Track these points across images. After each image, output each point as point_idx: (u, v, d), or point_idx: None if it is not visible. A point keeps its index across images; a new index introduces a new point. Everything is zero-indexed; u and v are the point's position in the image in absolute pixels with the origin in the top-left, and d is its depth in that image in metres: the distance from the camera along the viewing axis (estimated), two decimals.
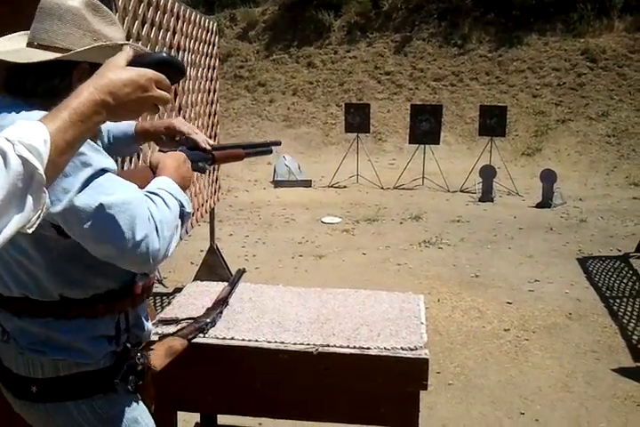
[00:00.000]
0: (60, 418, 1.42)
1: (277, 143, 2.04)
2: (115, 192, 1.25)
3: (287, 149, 11.82)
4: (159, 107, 1.18)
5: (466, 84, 13.06)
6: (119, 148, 1.74)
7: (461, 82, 13.16)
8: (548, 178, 8.63)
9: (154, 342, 1.68)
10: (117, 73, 1.09)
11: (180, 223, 1.37)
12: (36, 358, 1.37)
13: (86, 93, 1.03)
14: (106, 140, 1.70)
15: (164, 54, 1.25)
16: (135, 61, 1.14)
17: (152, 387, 1.55)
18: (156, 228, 1.28)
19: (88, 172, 1.24)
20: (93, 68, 1.22)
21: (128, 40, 1.81)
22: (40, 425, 1.48)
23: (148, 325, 1.56)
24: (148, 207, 1.29)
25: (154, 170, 1.48)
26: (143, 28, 3.15)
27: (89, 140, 1.26)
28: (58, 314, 1.36)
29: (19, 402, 1.45)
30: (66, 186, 1.21)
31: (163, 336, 1.88)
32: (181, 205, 1.38)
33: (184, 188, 1.46)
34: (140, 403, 1.51)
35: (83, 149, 1.23)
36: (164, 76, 1.15)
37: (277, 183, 9.88)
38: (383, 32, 14.24)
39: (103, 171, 1.27)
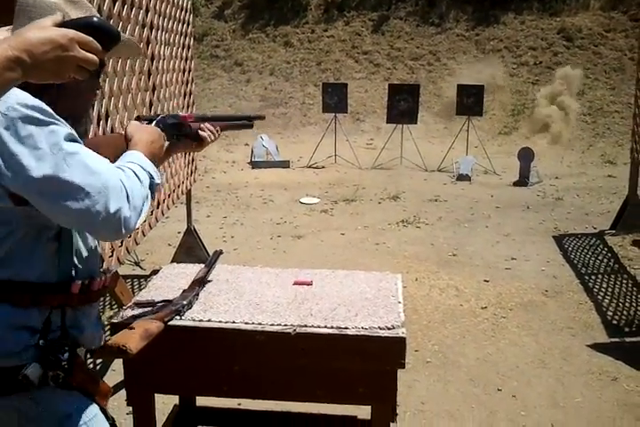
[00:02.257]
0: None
1: (261, 117, 2.05)
2: (88, 159, 1.25)
3: (265, 129, 11.74)
4: (88, 70, 1.14)
5: (443, 64, 13.04)
6: None
7: (439, 61, 13.13)
8: (526, 157, 8.69)
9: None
10: (36, 32, 1.06)
11: (149, 193, 1.39)
12: None
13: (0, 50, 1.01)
14: None
15: (95, 19, 1.23)
16: (64, 24, 1.12)
17: (99, 383, 1.49)
18: (128, 198, 1.29)
19: (59, 136, 1.22)
20: None
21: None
22: None
23: (94, 330, 1.49)
24: (120, 179, 1.29)
25: (127, 141, 1.49)
26: (114, 5, 3.08)
27: (52, 112, 1.24)
28: None
29: None
30: (39, 150, 1.19)
31: (139, 318, 1.87)
32: (151, 177, 1.40)
33: (155, 160, 1.48)
34: (80, 399, 1.44)
35: (48, 117, 1.23)
36: (90, 38, 1.11)
37: (255, 164, 9.82)
38: (360, 11, 14.12)
39: (73, 137, 1.26)
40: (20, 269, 1.32)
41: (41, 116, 1.22)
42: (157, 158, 1.51)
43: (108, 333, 3.51)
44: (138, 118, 1.69)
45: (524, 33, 13.06)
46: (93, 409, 1.47)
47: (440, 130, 11.71)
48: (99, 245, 1.54)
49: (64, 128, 1.25)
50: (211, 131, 1.82)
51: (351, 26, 13.96)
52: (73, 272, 1.39)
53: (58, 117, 1.26)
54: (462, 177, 8.84)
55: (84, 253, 1.43)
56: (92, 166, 1.25)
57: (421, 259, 5.33)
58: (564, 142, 10.83)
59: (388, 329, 1.92)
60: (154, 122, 1.65)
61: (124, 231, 1.30)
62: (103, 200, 1.24)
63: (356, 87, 12.61)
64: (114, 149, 1.48)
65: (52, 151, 1.21)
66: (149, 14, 3.71)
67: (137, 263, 5.01)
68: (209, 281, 2.23)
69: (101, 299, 1.55)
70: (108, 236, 1.34)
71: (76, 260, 1.40)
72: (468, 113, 9.73)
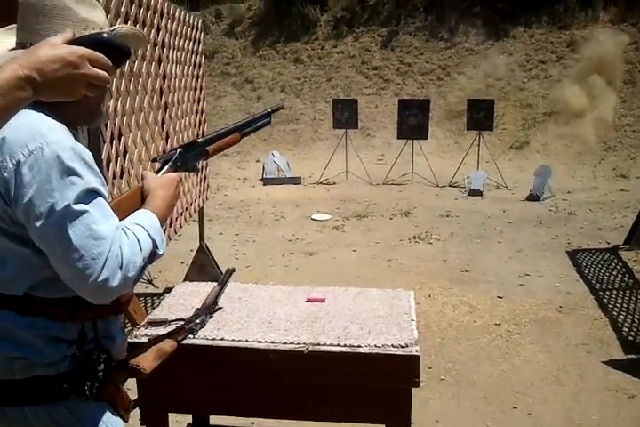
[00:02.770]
0: (16, 423, 1.39)
1: (281, 107, 1.97)
2: (94, 222, 1.24)
3: (276, 146, 11.79)
4: (99, 86, 1.14)
5: (453, 78, 13.08)
6: None
7: (448, 76, 13.17)
8: (544, 174, 8.72)
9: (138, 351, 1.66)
10: (47, 50, 1.06)
11: (146, 263, 1.35)
12: None
13: (9, 69, 1.01)
14: None
15: (105, 35, 1.23)
16: (74, 42, 1.12)
17: (124, 397, 1.51)
18: (121, 267, 1.27)
19: (75, 191, 1.23)
20: None
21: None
22: None
23: (121, 338, 1.53)
24: (120, 245, 1.28)
25: (144, 197, 1.46)
26: (127, 24, 3.11)
27: (83, 155, 1.25)
28: (19, 308, 1.33)
29: None
30: (50, 202, 1.21)
31: (152, 338, 1.87)
32: (155, 246, 1.36)
33: (170, 207, 1.48)
34: (107, 411, 1.47)
35: (75, 165, 1.23)
36: (100, 55, 1.11)
37: (266, 181, 9.85)
38: (369, 26, 14.22)
39: (91, 193, 1.26)
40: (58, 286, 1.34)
41: (68, 163, 1.23)
42: (173, 204, 1.50)
43: None
44: (154, 160, 1.65)
45: (533, 46, 13.08)
46: (118, 423, 1.49)
47: (451, 145, 11.71)
48: None
49: (86, 180, 1.24)
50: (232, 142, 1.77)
51: (360, 42, 14.05)
52: None
53: (87, 164, 1.26)
54: (474, 192, 8.82)
55: None
56: (97, 230, 1.24)
57: (434, 275, 5.31)
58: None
59: (402, 347, 1.90)
60: (171, 161, 1.60)
61: (106, 298, 1.29)
62: (95, 267, 1.23)
63: (367, 103, 12.66)
64: (128, 209, 1.44)
65: (62, 205, 1.22)
66: (160, 33, 3.75)
67: (150, 281, 5.03)
68: (218, 307, 2.23)
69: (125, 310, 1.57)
70: (91, 298, 1.30)
71: None
72: (478, 128, 9.73)
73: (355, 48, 13.96)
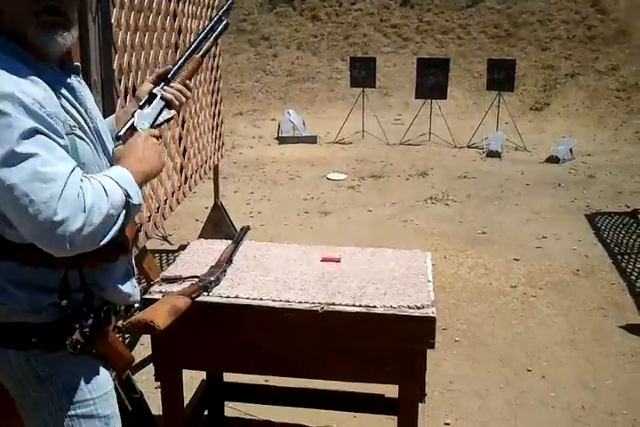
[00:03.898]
0: (2, 365, 1.39)
1: (231, 5, 1.80)
2: (43, 164, 1.18)
3: (292, 104, 11.65)
4: None
5: (473, 38, 12.75)
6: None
7: (469, 35, 12.83)
8: (568, 142, 8.59)
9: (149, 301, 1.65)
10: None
11: (122, 213, 1.27)
12: None
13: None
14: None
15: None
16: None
17: (121, 352, 1.48)
18: (84, 210, 1.19)
19: (13, 133, 1.17)
20: None
21: None
22: None
23: (121, 287, 1.48)
24: (81, 187, 1.20)
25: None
26: None
27: (22, 98, 1.19)
28: None
29: None
30: None
31: (166, 294, 1.86)
32: (127, 195, 1.28)
33: (154, 170, 1.41)
34: (90, 367, 1.44)
35: (5, 107, 1.17)
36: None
37: (282, 140, 9.77)
38: None
39: (34, 133, 1.19)
40: None
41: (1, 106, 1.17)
42: (153, 163, 1.42)
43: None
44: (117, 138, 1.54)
45: (556, 6, 12.67)
46: (106, 385, 1.47)
47: (470, 105, 11.49)
48: None
49: (26, 122, 1.18)
50: (175, 90, 1.59)
51: None
52: None
53: (26, 107, 1.19)
54: (492, 153, 8.69)
55: None
56: (45, 173, 1.17)
57: (450, 237, 5.26)
58: None
59: (418, 308, 1.88)
60: (127, 123, 1.51)
61: (68, 247, 1.19)
62: (48, 211, 1.15)
63: (385, 61, 12.41)
64: None
65: (4, 149, 1.16)
66: None
67: (165, 238, 5.03)
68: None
69: (128, 254, 1.51)
70: (51, 249, 1.21)
71: None
72: (498, 88, 9.51)
73: (373, 5, 13.61)
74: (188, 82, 1.61)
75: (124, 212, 1.28)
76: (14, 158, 1.17)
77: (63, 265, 1.32)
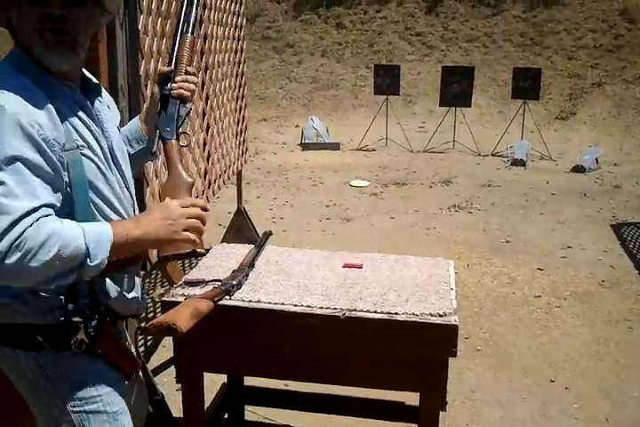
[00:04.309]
0: (12, 366, 1.44)
1: None
2: (5, 194, 1.20)
3: (315, 111, 11.68)
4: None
5: (499, 46, 12.69)
6: (138, 151, 1.69)
7: (494, 43, 12.78)
8: (594, 152, 8.51)
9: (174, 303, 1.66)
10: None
11: (74, 268, 1.26)
12: None
13: None
14: (129, 148, 1.66)
15: None
16: None
17: (126, 355, 1.51)
18: (19, 249, 1.19)
19: None
20: None
21: None
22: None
23: (127, 296, 1.52)
24: (29, 229, 1.20)
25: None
26: None
27: (19, 118, 1.24)
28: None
29: None
30: None
31: (188, 297, 1.87)
32: (87, 255, 1.26)
33: (152, 237, 1.36)
34: (96, 366, 1.47)
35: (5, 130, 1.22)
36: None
37: (305, 146, 9.79)
38: None
39: (13, 161, 1.22)
40: None
41: None
42: (151, 242, 1.40)
43: (159, 310, 3.56)
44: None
45: (584, 14, 12.56)
46: (112, 382, 1.50)
47: (494, 114, 11.43)
48: (131, 213, 1.55)
49: (12, 148, 1.22)
50: (181, 83, 1.62)
51: (404, 7, 13.70)
52: None
53: (22, 128, 1.23)
54: (517, 162, 8.62)
55: (111, 221, 1.43)
56: (1, 203, 1.19)
57: (473, 245, 5.23)
58: None
59: (440, 316, 1.86)
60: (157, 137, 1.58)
61: None
62: None
63: (409, 69, 12.40)
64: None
65: None
66: None
67: None
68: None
69: (137, 266, 1.58)
70: None
71: None
72: (523, 97, 9.45)
73: (398, 13, 13.63)
74: (189, 69, 1.63)
75: (76, 267, 1.26)
76: None
77: None
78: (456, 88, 9.57)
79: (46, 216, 1.24)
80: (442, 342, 1.84)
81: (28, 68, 1.35)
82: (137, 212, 1.59)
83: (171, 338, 2.02)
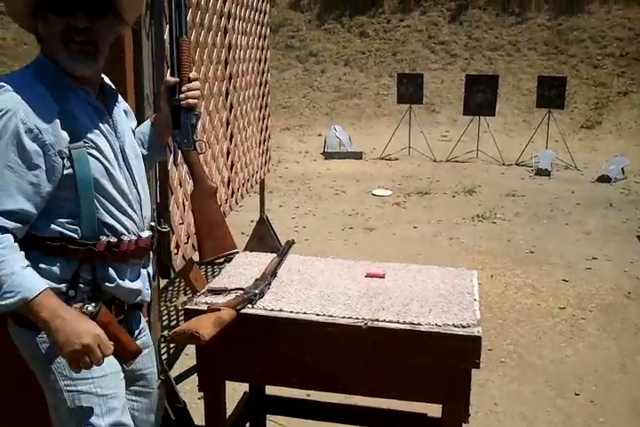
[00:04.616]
0: (21, 341, 1.56)
1: None
2: None
3: (338, 120, 11.70)
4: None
5: (523, 55, 12.62)
6: (150, 152, 1.79)
7: (518, 52, 12.72)
8: (620, 162, 8.42)
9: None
10: None
11: None
12: None
13: None
14: (142, 149, 1.76)
15: None
16: None
17: (124, 343, 1.55)
18: None
19: None
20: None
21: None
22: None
23: (130, 285, 1.61)
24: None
25: None
26: None
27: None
28: (24, 242, 1.46)
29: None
30: None
31: (211, 306, 1.87)
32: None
33: (61, 343, 1.39)
34: None
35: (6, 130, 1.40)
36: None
37: (328, 155, 9.81)
38: (437, 0, 13.83)
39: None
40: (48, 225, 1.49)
41: None
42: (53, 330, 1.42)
43: (182, 318, 3.58)
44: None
45: (609, 22, 12.45)
46: (107, 367, 1.54)
47: (519, 123, 11.36)
48: (137, 209, 1.62)
49: (8, 155, 1.38)
50: (187, 92, 1.71)
51: (428, 15, 13.71)
52: (97, 232, 1.53)
53: (32, 130, 1.39)
54: (541, 172, 8.54)
55: (115, 217, 1.56)
56: None
57: (497, 255, 5.18)
58: None
59: (463, 327, 1.85)
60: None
61: None
62: None
63: (432, 78, 12.38)
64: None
65: None
66: (227, 4, 3.71)
67: None
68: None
69: (141, 259, 1.67)
70: None
71: (104, 221, 1.53)
72: (548, 106, 9.37)
73: (422, 22, 13.64)
74: (191, 75, 1.70)
75: None
76: None
77: (77, 258, 1.51)
78: (480, 97, 9.52)
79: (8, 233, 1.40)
80: (465, 353, 1.82)
81: (49, 73, 1.49)
82: (144, 208, 1.67)
83: (193, 346, 2.03)
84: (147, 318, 2.18)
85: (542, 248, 5.38)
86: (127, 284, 1.61)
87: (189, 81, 1.70)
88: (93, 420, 1.54)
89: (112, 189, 1.55)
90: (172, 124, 1.71)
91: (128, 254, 1.58)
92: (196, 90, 1.71)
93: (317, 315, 1.90)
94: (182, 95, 1.69)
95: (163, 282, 2.70)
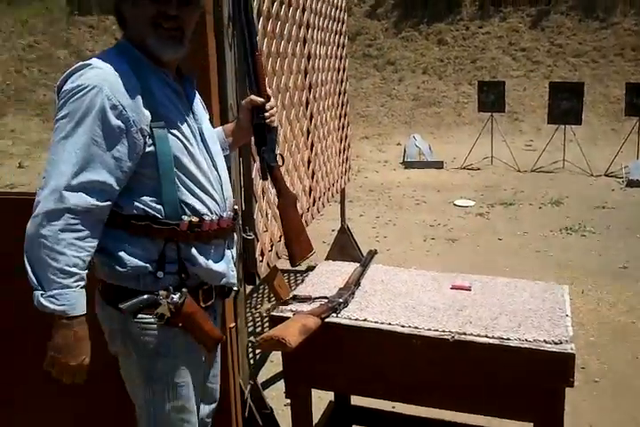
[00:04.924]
0: (108, 321, 1.60)
1: None
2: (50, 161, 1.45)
3: (417, 129, 11.61)
4: None
5: (609, 61, 12.17)
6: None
7: (604, 58, 12.27)
8: None
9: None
10: None
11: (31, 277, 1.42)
12: (95, 258, 1.53)
13: None
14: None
15: None
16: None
17: (208, 331, 1.58)
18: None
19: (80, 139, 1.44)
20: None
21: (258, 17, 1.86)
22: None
23: (214, 266, 1.61)
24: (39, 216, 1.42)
25: None
26: (273, 5, 3.12)
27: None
28: (109, 222, 1.51)
29: None
30: None
31: (296, 313, 1.88)
32: (36, 285, 1.41)
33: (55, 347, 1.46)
34: (171, 336, 1.57)
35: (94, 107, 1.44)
36: None
37: (407, 164, 9.72)
38: (518, 6, 13.56)
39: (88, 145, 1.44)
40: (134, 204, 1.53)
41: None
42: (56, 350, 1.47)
43: (267, 325, 3.59)
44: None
45: None
46: (182, 354, 1.59)
47: (607, 132, 10.92)
48: (218, 189, 1.65)
49: (92, 130, 1.43)
50: (269, 111, 1.80)
51: (508, 22, 13.44)
52: (180, 211, 1.54)
53: (117, 107, 1.44)
54: (633, 183, 8.14)
55: (197, 196, 1.57)
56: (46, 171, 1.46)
57: (588, 270, 4.95)
58: None
59: (555, 344, 1.77)
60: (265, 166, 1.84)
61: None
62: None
63: (514, 85, 12.11)
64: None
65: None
66: (306, 13, 3.74)
67: None
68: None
69: (224, 240, 1.69)
70: None
71: (185, 200, 1.55)
72: (638, 114, 8.94)
73: (501, 29, 13.39)
74: (268, 92, 1.81)
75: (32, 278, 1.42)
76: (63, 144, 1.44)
77: (162, 237, 1.53)
78: (565, 105, 9.19)
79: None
80: (557, 370, 1.75)
81: (132, 55, 1.54)
82: (225, 189, 1.69)
83: (278, 353, 2.03)
84: (234, 324, 2.20)
85: (636, 263, 5.10)
86: (211, 264, 1.61)
87: (268, 98, 1.79)
88: (161, 402, 1.60)
89: (193, 168, 1.57)
90: (258, 141, 1.81)
91: (211, 234, 1.60)
92: (274, 106, 1.80)
93: (402, 326, 1.87)
94: (267, 113, 1.78)
95: (247, 289, 2.72)
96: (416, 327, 1.86)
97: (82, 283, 1.42)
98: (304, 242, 1.90)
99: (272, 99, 1.80)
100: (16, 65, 14.13)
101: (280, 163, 1.85)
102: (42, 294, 1.39)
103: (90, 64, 1.47)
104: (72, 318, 1.41)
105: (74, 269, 1.39)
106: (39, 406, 2.30)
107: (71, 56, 13.99)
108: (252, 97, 1.78)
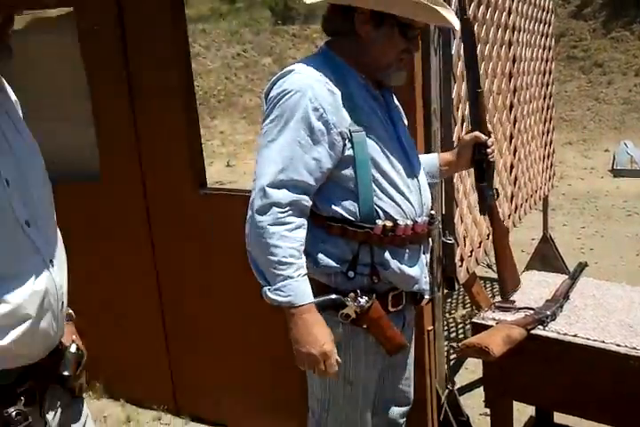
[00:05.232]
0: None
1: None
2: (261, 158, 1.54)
3: (629, 135, 10.72)
4: None
5: None
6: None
7: None
8: None
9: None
10: None
11: (256, 266, 1.51)
12: None
13: None
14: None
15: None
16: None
17: (389, 337, 1.57)
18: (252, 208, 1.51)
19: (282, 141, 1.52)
20: (376, 14, 1.52)
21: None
22: None
23: (407, 270, 1.62)
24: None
25: None
26: (479, 9, 3.08)
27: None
28: (309, 221, 1.55)
29: None
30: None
31: (499, 322, 1.83)
32: (263, 282, 1.50)
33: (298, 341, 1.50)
34: (354, 335, 1.60)
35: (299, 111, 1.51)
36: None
37: (617, 172, 8.99)
38: None
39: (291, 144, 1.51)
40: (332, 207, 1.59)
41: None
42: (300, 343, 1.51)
43: (461, 330, 3.54)
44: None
45: None
46: (361, 355, 1.62)
47: None
48: (416, 194, 1.66)
49: (293, 133, 1.50)
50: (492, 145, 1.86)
51: None
52: (374, 215, 1.57)
53: (318, 110, 1.50)
54: None
55: (393, 199, 1.59)
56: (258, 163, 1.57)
57: None
58: None
59: None
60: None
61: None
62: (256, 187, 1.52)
63: None
64: None
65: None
66: (511, 16, 3.64)
67: (489, 266, 4.98)
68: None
69: (419, 244, 1.68)
70: None
71: (380, 205, 1.57)
72: None
73: None
74: (489, 129, 1.90)
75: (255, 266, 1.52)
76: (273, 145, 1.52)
77: (356, 240, 1.56)
78: None
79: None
80: None
81: (335, 62, 1.61)
82: (424, 195, 1.71)
83: (474, 360, 1.99)
84: (431, 327, 2.20)
85: None
86: (405, 268, 1.62)
87: (489, 134, 1.85)
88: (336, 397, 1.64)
89: (391, 171, 1.60)
90: (479, 177, 1.89)
91: (405, 239, 1.61)
92: (494, 143, 1.87)
93: (618, 346, 1.73)
94: (489, 150, 1.83)
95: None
96: (634, 348, 1.71)
97: (302, 271, 1.48)
98: (515, 276, 1.99)
99: (492, 138, 1.85)
100: (225, 72, 15.31)
101: (495, 197, 1.92)
102: (269, 289, 1.47)
103: (293, 70, 1.54)
104: (299, 306, 1.47)
105: (291, 260, 1.46)
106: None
107: (275, 63, 14.88)
108: (477, 133, 1.83)
